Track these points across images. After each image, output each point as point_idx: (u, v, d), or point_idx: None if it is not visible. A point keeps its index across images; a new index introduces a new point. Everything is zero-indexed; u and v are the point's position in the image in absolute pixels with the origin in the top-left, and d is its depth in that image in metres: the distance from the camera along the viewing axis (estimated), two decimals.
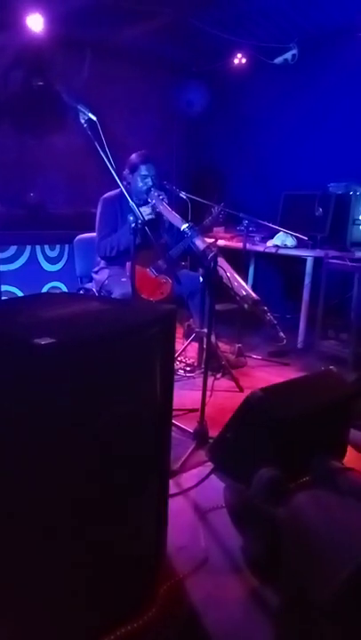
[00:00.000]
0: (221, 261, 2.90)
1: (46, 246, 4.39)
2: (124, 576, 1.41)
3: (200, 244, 2.93)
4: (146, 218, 2.86)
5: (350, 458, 2.10)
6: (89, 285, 3.48)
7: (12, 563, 1.26)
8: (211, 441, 2.30)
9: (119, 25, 4.01)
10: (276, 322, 3.37)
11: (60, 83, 3.96)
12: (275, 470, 1.73)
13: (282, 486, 1.69)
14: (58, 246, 4.45)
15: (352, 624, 1.05)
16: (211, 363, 2.87)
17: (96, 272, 3.34)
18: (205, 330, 2.71)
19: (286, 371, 3.51)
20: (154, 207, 3.06)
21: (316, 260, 3.79)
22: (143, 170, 3.17)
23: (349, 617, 1.05)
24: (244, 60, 4.60)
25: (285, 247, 3.97)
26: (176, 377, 3.09)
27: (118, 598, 1.39)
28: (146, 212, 3.02)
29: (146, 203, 3.15)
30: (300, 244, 3.88)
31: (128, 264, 2.83)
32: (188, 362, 3.49)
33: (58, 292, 4.32)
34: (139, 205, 2.75)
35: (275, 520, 1.48)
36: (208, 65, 4.95)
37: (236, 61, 4.62)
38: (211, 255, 2.60)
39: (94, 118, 2.22)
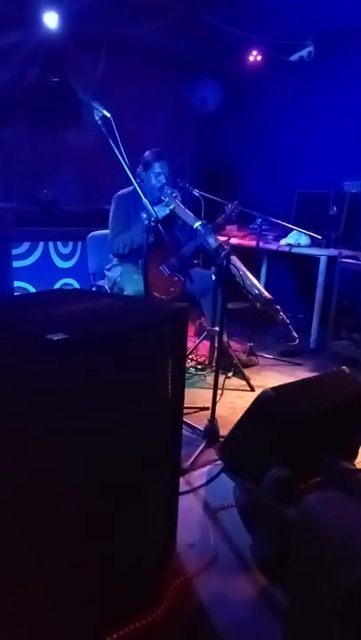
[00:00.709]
0: (234, 260, 2.90)
1: (59, 243, 4.41)
2: (133, 573, 1.42)
3: (213, 242, 2.92)
4: (160, 216, 2.85)
5: None
6: (101, 282, 3.49)
7: (20, 560, 1.27)
8: (221, 439, 2.30)
9: (133, 22, 4.01)
10: (288, 321, 3.35)
11: (75, 79, 3.97)
12: (285, 470, 1.72)
13: (292, 486, 1.69)
14: (71, 243, 4.47)
15: None
16: (222, 361, 2.86)
17: (108, 269, 3.35)
18: (217, 328, 2.71)
19: (298, 370, 3.50)
20: (167, 204, 3.06)
21: (330, 260, 3.76)
22: (157, 167, 3.16)
23: (359, 617, 1.04)
24: (259, 58, 4.57)
25: (299, 246, 3.95)
26: (187, 375, 3.10)
27: (127, 595, 1.39)
28: (160, 210, 3.02)
29: (159, 200, 3.15)
30: (314, 243, 3.85)
31: (141, 262, 2.83)
32: (199, 360, 3.49)
33: (70, 288, 4.34)
34: (152, 203, 2.75)
35: (285, 520, 1.48)
36: (222, 62, 4.93)
37: (251, 58, 4.60)
38: (223, 253, 2.59)
39: (109, 115, 2.22)
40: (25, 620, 1.28)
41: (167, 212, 3.06)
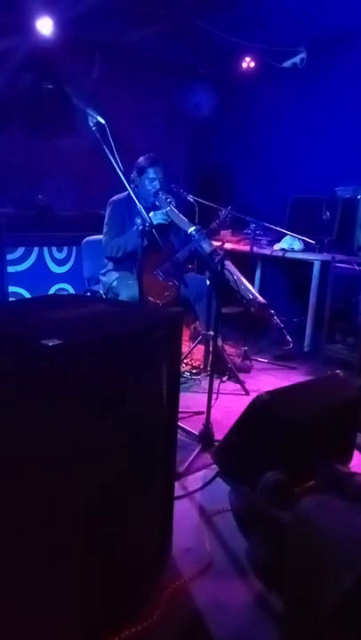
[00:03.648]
0: (228, 264, 2.91)
1: (54, 248, 4.41)
2: (128, 578, 1.42)
3: (207, 247, 2.93)
4: (155, 222, 2.85)
5: (357, 462, 2.09)
6: (96, 287, 3.49)
7: (14, 564, 1.26)
8: (216, 444, 2.30)
9: (128, 28, 4.03)
10: (282, 325, 3.37)
11: (69, 85, 3.98)
12: (280, 474, 1.73)
13: (287, 490, 1.69)
14: (65, 248, 4.47)
15: (358, 629, 1.04)
16: (217, 365, 2.87)
17: (103, 274, 3.35)
18: (212, 333, 2.71)
19: (292, 374, 3.50)
20: (166, 213, 3.06)
21: (324, 264, 3.78)
22: (151, 173, 3.17)
23: (355, 622, 1.04)
24: (252, 64, 4.60)
25: (292, 251, 3.96)
26: (182, 379, 3.10)
27: (122, 600, 1.39)
28: (157, 217, 3.02)
29: (154, 205, 3.16)
30: (308, 248, 3.87)
31: (135, 267, 2.83)
32: (194, 364, 3.50)
33: (65, 293, 4.33)
34: (146, 208, 2.76)
35: (280, 524, 1.48)
36: (216, 68, 4.96)
37: (244, 65, 4.63)
38: (218, 258, 2.60)
39: (103, 121, 2.23)
40: (19, 625, 1.28)
41: (163, 221, 3.06)
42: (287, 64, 4.30)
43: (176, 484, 1.87)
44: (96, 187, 4.37)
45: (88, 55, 4.46)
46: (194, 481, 2.13)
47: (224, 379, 3.26)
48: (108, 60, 4.54)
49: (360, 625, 1.04)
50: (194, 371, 3.41)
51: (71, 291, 4.51)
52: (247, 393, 3.09)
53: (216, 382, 2.79)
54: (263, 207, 4.29)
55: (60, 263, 4.47)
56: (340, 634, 1.07)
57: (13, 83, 4.02)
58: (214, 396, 2.49)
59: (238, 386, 3.17)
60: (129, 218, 3.17)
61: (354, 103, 4.13)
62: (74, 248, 4.44)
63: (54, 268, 4.45)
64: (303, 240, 3.77)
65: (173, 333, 1.47)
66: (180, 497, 1.98)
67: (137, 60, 4.76)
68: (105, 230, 3.28)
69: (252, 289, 3.34)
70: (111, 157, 2.19)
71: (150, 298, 3.05)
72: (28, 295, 4.26)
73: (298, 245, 3.93)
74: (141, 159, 3.23)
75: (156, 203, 3.15)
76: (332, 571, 1.10)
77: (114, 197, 3.28)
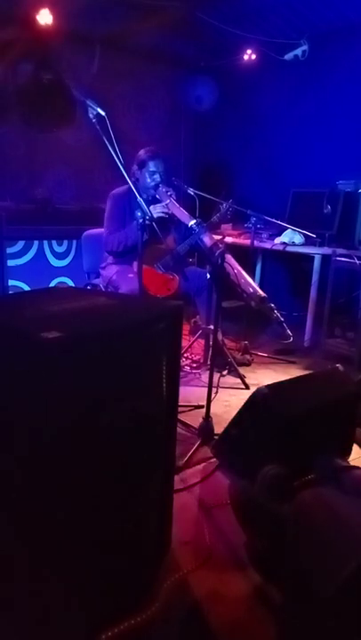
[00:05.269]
0: (229, 258, 2.90)
1: (54, 241, 4.40)
2: (128, 570, 1.42)
3: (208, 240, 2.93)
4: (155, 215, 2.84)
5: (356, 456, 2.10)
6: (96, 281, 3.48)
7: (13, 556, 1.27)
8: (216, 437, 2.30)
9: (128, 20, 4.00)
10: (282, 319, 3.36)
11: (69, 77, 3.96)
12: (280, 467, 1.73)
13: (286, 484, 1.69)
14: (65, 242, 4.46)
15: (355, 619, 1.05)
16: (217, 359, 2.87)
17: (103, 268, 3.34)
18: (212, 327, 2.71)
19: (292, 368, 3.51)
20: (166, 206, 3.05)
21: (324, 258, 3.77)
22: (151, 166, 3.16)
23: (353, 613, 1.05)
24: (253, 56, 4.57)
25: (293, 245, 3.95)
26: (182, 373, 3.10)
27: (122, 592, 1.39)
28: (157, 210, 3.02)
29: (154, 198, 3.15)
30: (308, 242, 3.86)
31: (135, 263, 2.83)
32: (194, 358, 3.50)
33: (65, 287, 4.33)
34: (147, 201, 2.75)
35: (279, 517, 1.48)
36: (217, 60, 4.92)
37: (245, 57, 4.59)
38: (218, 252, 2.59)
39: (103, 113, 2.22)
40: (18, 616, 1.28)
41: (164, 214, 3.05)
42: (289, 56, 4.27)
43: (176, 478, 1.87)
44: (96, 180, 4.36)
45: (88, 47, 4.43)
46: (193, 474, 2.14)
47: (224, 373, 3.26)
48: (108, 51, 4.51)
49: (357, 615, 1.05)
50: (194, 365, 3.41)
51: (71, 284, 4.51)
52: (247, 387, 3.09)
53: (216, 376, 2.79)
54: (264, 201, 4.28)
55: (60, 257, 4.47)
56: (338, 623, 1.08)
57: (13, 74, 4.00)
58: (214, 389, 2.50)
59: (238, 380, 3.17)
60: (129, 211, 3.16)
61: (355, 96, 4.10)
62: (74, 241, 4.43)
63: (54, 262, 4.44)
64: (304, 234, 3.76)
65: (173, 327, 1.47)
66: (179, 490, 1.98)
67: (138, 52, 4.73)
68: (105, 224, 3.26)
69: (252, 282, 3.33)
70: (111, 150, 2.18)
71: (150, 291, 3.05)
72: (27, 289, 4.25)
73: (298, 239, 3.92)
74: (142, 152, 3.21)
75: (157, 196, 3.14)
76: (329, 562, 1.10)
77: (114, 191, 3.27)
